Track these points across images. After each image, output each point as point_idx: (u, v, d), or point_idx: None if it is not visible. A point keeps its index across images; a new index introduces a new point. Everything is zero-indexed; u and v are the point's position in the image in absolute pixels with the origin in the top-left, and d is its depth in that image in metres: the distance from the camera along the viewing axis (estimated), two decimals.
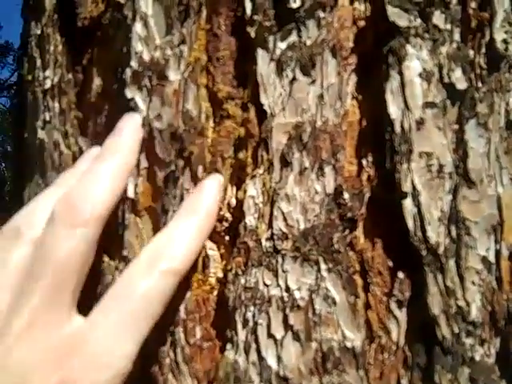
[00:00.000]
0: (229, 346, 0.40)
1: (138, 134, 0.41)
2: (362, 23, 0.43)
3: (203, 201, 0.40)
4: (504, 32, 0.45)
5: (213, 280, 0.41)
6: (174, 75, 0.41)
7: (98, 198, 0.39)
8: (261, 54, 0.41)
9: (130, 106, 0.42)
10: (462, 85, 0.43)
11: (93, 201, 0.38)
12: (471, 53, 0.44)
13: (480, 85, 0.44)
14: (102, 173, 0.40)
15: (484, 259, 0.43)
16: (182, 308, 0.41)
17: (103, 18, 0.45)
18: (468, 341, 0.42)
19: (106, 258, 0.43)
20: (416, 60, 0.41)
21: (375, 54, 0.42)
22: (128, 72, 0.42)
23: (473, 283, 0.43)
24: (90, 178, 0.40)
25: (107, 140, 0.41)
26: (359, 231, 0.42)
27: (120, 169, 0.40)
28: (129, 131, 0.40)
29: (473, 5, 0.44)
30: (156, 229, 0.41)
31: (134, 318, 0.37)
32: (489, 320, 0.44)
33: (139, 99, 0.41)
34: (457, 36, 0.44)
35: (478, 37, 0.44)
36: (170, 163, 0.41)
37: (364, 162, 0.42)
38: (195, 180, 0.41)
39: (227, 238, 0.42)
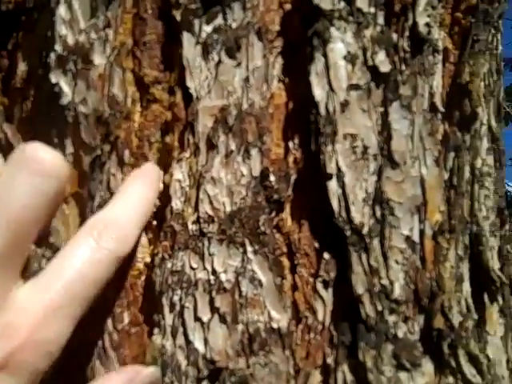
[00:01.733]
0: (156, 330, 0.41)
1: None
2: (288, 6, 0.44)
3: (143, 185, 0.40)
4: (427, 16, 0.46)
5: (140, 265, 0.42)
6: (99, 59, 0.41)
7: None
8: (186, 37, 0.41)
9: (54, 91, 0.41)
10: (385, 67, 0.45)
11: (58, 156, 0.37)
12: (395, 36, 0.45)
13: (404, 68, 0.46)
14: None
15: (408, 239, 0.45)
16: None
17: (27, 1, 0.44)
18: (391, 318, 0.44)
19: (32, 246, 0.42)
20: (340, 43, 0.43)
21: (301, 36, 0.43)
22: (52, 56, 0.42)
23: (396, 262, 0.44)
24: None
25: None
26: (286, 213, 0.44)
27: None
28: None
29: None
30: (83, 215, 0.42)
31: (69, 298, 0.36)
32: (412, 298, 0.45)
33: (64, 84, 0.42)
34: (381, 19, 0.45)
35: (401, 20, 0.46)
36: (96, 148, 0.41)
37: (290, 144, 0.43)
38: (121, 165, 0.42)
39: (155, 222, 0.42)
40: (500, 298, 0.51)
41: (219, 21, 0.43)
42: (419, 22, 0.47)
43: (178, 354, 0.42)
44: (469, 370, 0.47)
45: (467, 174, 0.51)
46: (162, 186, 0.44)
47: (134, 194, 0.42)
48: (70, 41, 0.43)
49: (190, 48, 0.43)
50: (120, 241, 0.39)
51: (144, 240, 0.44)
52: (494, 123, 0.54)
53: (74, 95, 0.43)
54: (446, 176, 0.50)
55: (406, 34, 0.47)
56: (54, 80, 0.44)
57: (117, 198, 0.41)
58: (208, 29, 0.43)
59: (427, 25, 0.48)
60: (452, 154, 0.51)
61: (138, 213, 0.41)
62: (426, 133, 0.49)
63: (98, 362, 0.43)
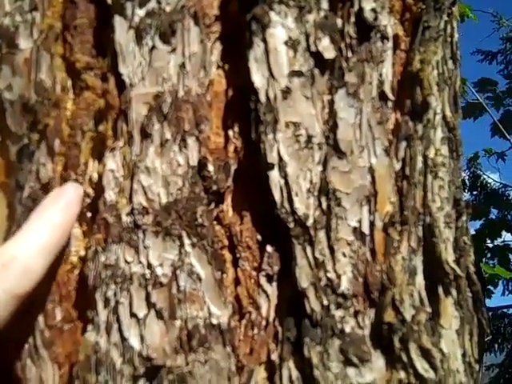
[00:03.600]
0: (90, 327, 0.40)
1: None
2: None
3: (54, 215, 0.39)
4: (373, 1, 0.45)
5: (74, 258, 0.41)
6: (25, 43, 0.40)
7: None
8: (119, 21, 0.41)
9: None
10: (330, 54, 0.44)
11: None
12: (340, 22, 0.44)
13: (350, 54, 0.44)
14: None
15: (355, 230, 0.44)
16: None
17: None
18: (338, 313, 0.43)
19: None
20: (281, 27, 0.42)
21: (240, 21, 0.41)
22: None
23: (343, 255, 0.43)
24: None
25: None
26: (227, 204, 0.42)
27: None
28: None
29: None
30: (11, 205, 0.40)
31: None
32: (362, 291, 0.44)
33: None
34: (324, 4, 0.44)
35: (346, 5, 0.45)
36: (23, 136, 0.40)
37: (230, 132, 0.42)
38: (52, 154, 0.41)
39: (89, 214, 0.41)
40: (454, 291, 0.50)
41: (152, 4, 0.42)
42: (365, 7, 0.47)
43: (112, 352, 0.41)
44: (421, 365, 0.46)
45: (420, 164, 0.50)
46: (96, 175, 0.42)
47: (44, 223, 0.41)
48: None
49: (122, 33, 0.42)
50: (18, 279, 0.39)
51: (78, 232, 0.43)
52: (448, 112, 0.53)
53: None
54: (398, 166, 0.49)
55: (352, 19, 0.46)
56: None
57: (23, 229, 0.41)
58: (141, 12, 0.42)
59: (373, 10, 0.47)
60: (404, 144, 0.50)
61: (44, 245, 0.39)
62: (374, 122, 0.48)
63: (29, 360, 0.41)
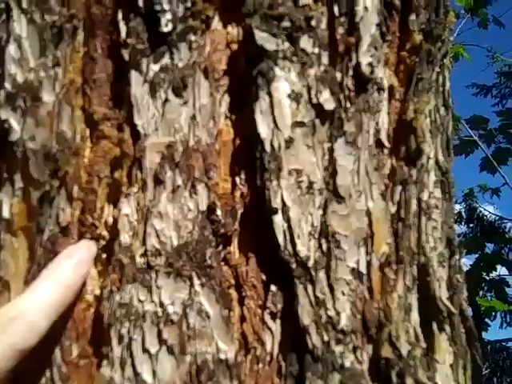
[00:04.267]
0: (105, 362, 0.43)
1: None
2: (234, 46, 0.47)
3: (64, 272, 0.42)
4: (370, 56, 0.49)
5: (90, 297, 0.43)
6: (48, 96, 0.43)
7: None
8: (134, 75, 0.44)
9: (4, 127, 0.43)
10: (330, 105, 0.47)
11: None
12: (339, 75, 0.48)
13: (348, 105, 0.48)
14: None
15: (353, 270, 0.47)
16: (58, 327, 0.42)
17: None
18: (338, 348, 0.45)
19: None
20: (284, 81, 0.45)
21: (247, 76, 0.45)
22: (2, 93, 0.44)
23: (343, 293, 0.46)
24: None
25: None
26: (233, 246, 0.45)
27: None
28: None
29: (340, 30, 0.48)
30: (31, 248, 0.43)
31: None
32: (360, 328, 0.47)
33: (13, 120, 0.44)
34: (325, 59, 0.47)
35: (345, 60, 0.49)
36: (45, 183, 0.43)
37: (237, 179, 0.45)
38: (71, 199, 0.44)
39: (104, 255, 0.44)
40: (448, 327, 0.53)
41: (166, 60, 0.46)
42: (362, 61, 0.50)
43: None
44: None
45: (414, 206, 0.53)
46: (111, 219, 0.45)
47: (53, 281, 0.44)
48: (20, 78, 0.45)
49: (137, 86, 0.45)
50: (23, 335, 0.41)
51: (94, 272, 0.45)
52: (441, 157, 0.57)
53: (23, 132, 0.45)
54: (394, 209, 0.52)
55: (350, 73, 0.50)
56: (3, 117, 0.46)
57: (32, 286, 0.44)
58: (155, 68, 0.46)
59: (370, 64, 0.51)
60: (399, 188, 0.53)
61: (50, 303, 0.41)
62: (371, 168, 0.52)
63: None
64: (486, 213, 4.72)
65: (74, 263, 0.45)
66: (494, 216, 4.68)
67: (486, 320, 3.24)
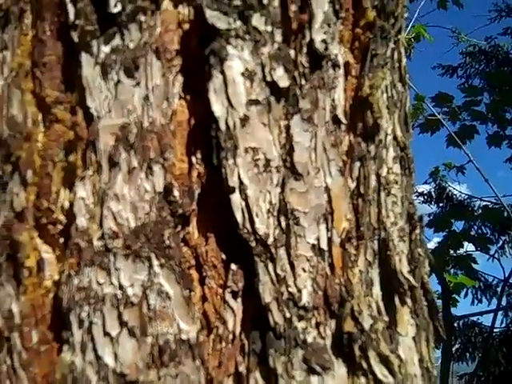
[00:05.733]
0: (65, 347, 0.43)
1: None
2: (186, 26, 0.47)
3: None
4: (323, 33, 0.50)
5: (49, 283, 0.44)
6: None
7: None
8: (85, 57, 0.44)
9: None
10: (284, 82, 0.47)
11: None
12: (293, 53, 0.48)
13: (303, 82, 0.48)
14: None
15: (314, 247, 0.48)
16: (16, 313, 0.42)
17: None
18: (300, 324, 0.46)
19: None
20: (237, 60, 0.45)
21: (200, 55, 0.45)
22: None
23: (303, 270, 0.47)
24: None
25: None
26: (192, 227, 0.46)
27: None
28: None
29: (293, 7, 0.49)
30: None
31: None
32: (323, 304, 0.47)
33: None
34: (278, 37, 0.48)
35: (298, 38, 0.49)
36: None
37: (194, 159, 0.46)
38: (25, 184, 0.43)
39: (62, 240, 0.44)
40: (410, 301, 0.54)
41: (117, 41, 0.46)
42: (316, 38, 0.51)
43: (88, 370, 0.44)
44: (380, 371, 0.49)
45: (373, 182, 0.54)
46: (67, 203, 0.45)
47: None
48: None
49: (89, 68, 0.45)
50: None
51: (51, 258, 0.45)
52: (399, 133, 0.58)
53: None
54: (353, 185, 0.53)
55: (304, 50, 0.50)
56: None
57: None
58: (106, 49, 0.46)
59: (324, 41, 0.51)
60: (358, 164, 0.54)
61: None
62: (329, 144, 0.52)
63: (7, 382, 0.44)
64: (456, 192, 4.80)
65: None
66: (463, 195, 4.77)
67: (455, 296, 3.30)
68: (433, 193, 5.01)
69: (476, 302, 4.65)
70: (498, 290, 4.54)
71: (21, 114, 0.46)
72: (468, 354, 4.87)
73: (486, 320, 4.77)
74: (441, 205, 4.97)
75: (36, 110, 0.47)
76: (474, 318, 4.81)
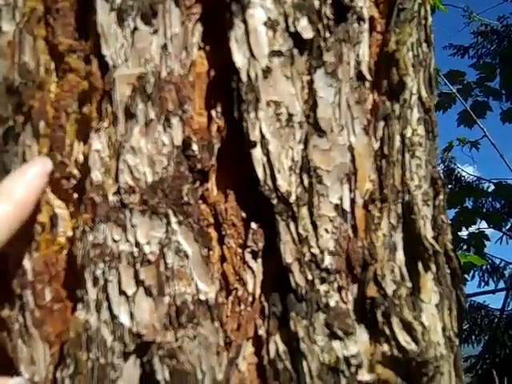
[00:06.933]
0: (79, 305, 0.41)
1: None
2: None
3: (17, 189, 0.40)
4: None
5: (62, 239, 0.42)
6: (7, 26, 0.41)
7: None
8: (100, 3, 0.42)
9: None
10: (308, 34, 0.46)
11: None
12: (317, 3, 0.46)
13: (327, 35, 0.46)
14: None
15: (337, 207, 0.46)
16: (29, 270, 0.40)
17: None
18: (322, 287, 0.45)
19: None
20: (260, 8, 0.43)
21: (220, 2, 0.43)
22: None
23: (326, 231, 0.45)
24: None
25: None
26: (211, 183, 0.44)
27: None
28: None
29: None
30: None
31: None
32: (345, 267, 0.46)
33: None
34: None
35: None
36: (8, 119, 0.41)
37: (213, 112, 0.44)
38: (37, 136, 0.41)
39: (76, 195, 0.42)
40: (434, 267, 0.52)
41: None
42: None
43: (102, 329, 0.42)
44: (403, 338, 0.48)
45: (398, 143, 0.52)
46: (81, 157, 0.44)
47: (6, 198, 0.42)
48: None
49: (104, 15, 0.43)
50: None
51: (65, 213, 0.44)
52: (424, 93, 0.56)
53: None
54: (377, 145, 0.51)
55: (329, 0, 0.48)
56: None
57: None
58: None
59: None
60: (382, 123, 0.52)
61: (4, 219, 0.41)
62: (353, 101, 0.50)
63: (20, 340, 0.42)
64: (464, 174, 4.78)
65: (27, 179, 0.43)
66: (472, 177, 4.74)
67: (465, 275, 3.29)
68: (441, 174, 4.99)
69: (483, 284, 4.65)
70: (506, 272, 4.54)
71: (33, 62, 0.44)
72: (474, 337, 4.88)
73: (493, 302, 4.78)
74: (450, 186, 4.95)
75: (49, 58, 0.45)
76: (481, 301, 4.82)
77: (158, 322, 0.44)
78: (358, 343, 0.48)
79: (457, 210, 3.71)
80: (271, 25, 0.46)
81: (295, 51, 0.48)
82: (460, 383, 0.52)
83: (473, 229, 3.67)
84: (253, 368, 0.46)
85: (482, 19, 5.66)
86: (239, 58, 0.45)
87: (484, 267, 4.42)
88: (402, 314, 0.49)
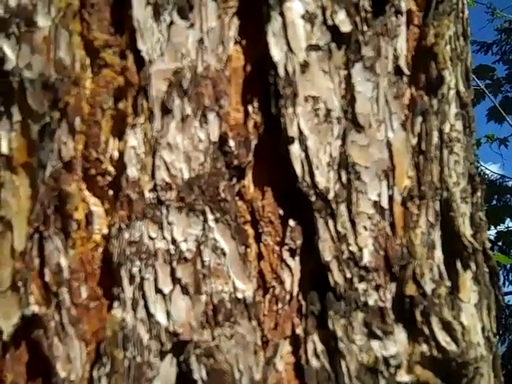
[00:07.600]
0: (116, 303, 0.41)
1: None
2: None
3: None
4: None
5: (97, 237, 0.42)
6: (43, 21, 0.41)
7: None
8: None
9: None
10: (346, 27, 0.45)
11: None
12: None
13: (365, 28, 0.45)
14: None
15: (375, 204, 0.45)
16: (65, 267, 0.40)
17: None
18: (361, 286, 0.44)
19: None
20: (297, 1, 0.43)
21: None
22: None
23: (365, 228, 0.45)
24: None
25: None
26: (248, 180, 0.43)
27: None
28: None
29: None
30: (33, 185, 0.41)
31: None
32: (383, 265, 0.45)
33: (7, 48, 0.42)
34: None
35: None
36: (45, 115, 0.40)
37: (250, 108, 0.43)
38: (73, 132, 0.41)
39: (111, 192, 0.42)
40: (473, 265, 0.51)
41: None
42: None
43: (139, 328, 0.42)
44: (443, 338, 0.47)
45: (436, 138, 0.51)
46: (116, 153, 0.43)
47: None
48: (12, 2, 0.43)
49: (140, 9, 0.43)
50: None
51: (100, 211, 0.43)
52: (462, 88, 0.55)
53: (19, 60, 0.43)
54: (414, 141, 0.51)
55: None
56: None
57: None
58: None
59: None
60: (419, 119, 0.51)
61: None
62: (391, 96, 0.50)
63: (56, 338, 0.42)
64: (488, 172, 4.72)
65: None
66: (495, 175, 4.69)
67: None
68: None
69: (507, 283, 4.60)
70: None
71: (69, 57, 0.44)
72: (498, 337, 4.82)
73: None
74: None
75: (84, 53, 0.45)
76: (506, 300, 4.77)
77: (194, 320, 0.43)
78: (397, 343, 0.47)
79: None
80: (309, 18, 0.46)
81: (333, 45, 0.47)
82: None
83: (501, 227, 3.63)
84: (290, 368, 0.45)
85: (506, 15, 5.59)
86: (276, 52, 0.45)
87: (508, 266, 4.38)
88: (442, 313, 0.48)
